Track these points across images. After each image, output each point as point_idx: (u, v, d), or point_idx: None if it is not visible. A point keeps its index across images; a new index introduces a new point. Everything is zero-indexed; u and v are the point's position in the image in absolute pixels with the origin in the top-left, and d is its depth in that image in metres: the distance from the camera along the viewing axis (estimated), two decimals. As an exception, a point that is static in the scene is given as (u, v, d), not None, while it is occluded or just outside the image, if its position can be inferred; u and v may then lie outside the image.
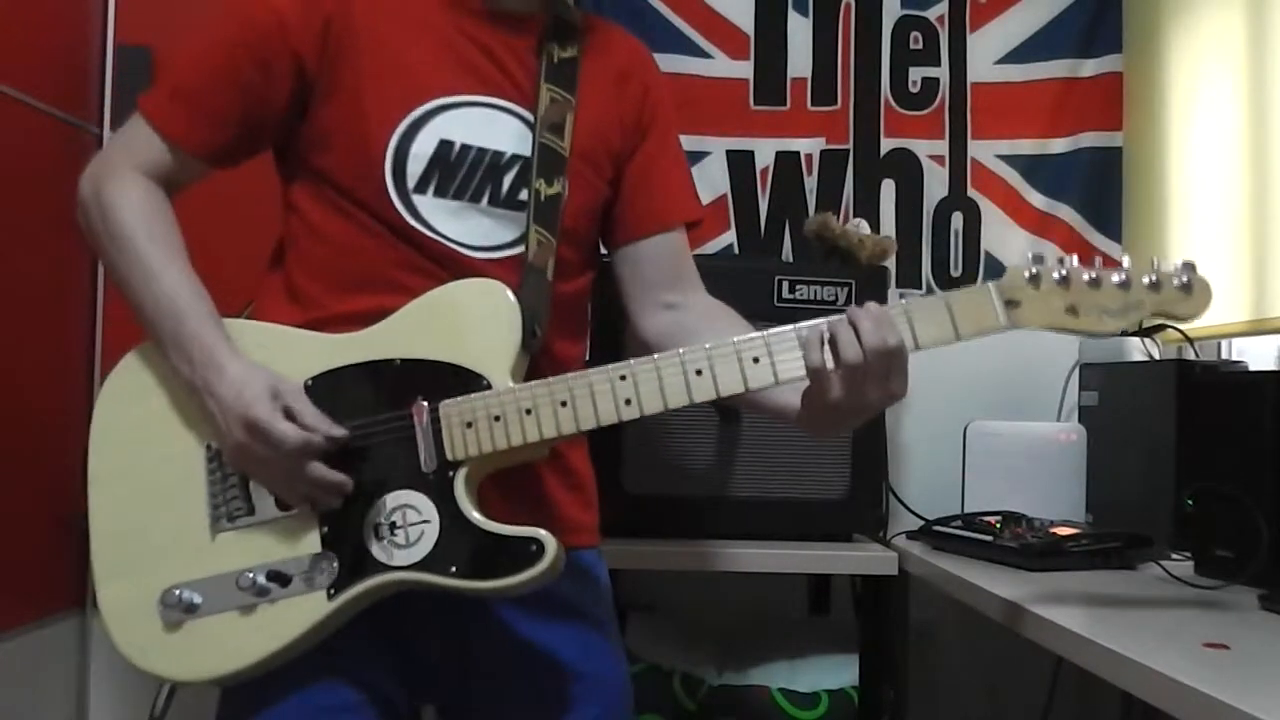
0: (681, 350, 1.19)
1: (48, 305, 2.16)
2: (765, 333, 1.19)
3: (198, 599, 1.21)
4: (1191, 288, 1.17)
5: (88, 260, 2.26)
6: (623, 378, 1.19)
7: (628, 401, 1.19)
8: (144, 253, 1.25)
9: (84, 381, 2.26)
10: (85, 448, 2.24)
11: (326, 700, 1.24)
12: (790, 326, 1.18)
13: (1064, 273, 1.17)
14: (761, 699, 1.97)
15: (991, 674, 2.43)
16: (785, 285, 1.98)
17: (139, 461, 1.27)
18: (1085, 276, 1.17)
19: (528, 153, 1.32)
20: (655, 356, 1.20)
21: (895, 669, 2.03)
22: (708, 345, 1.19)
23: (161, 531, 1.25)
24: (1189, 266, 1.17)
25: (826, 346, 1.16)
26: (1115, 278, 1.17)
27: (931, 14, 2.58)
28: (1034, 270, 1.17)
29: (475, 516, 1.19)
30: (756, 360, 1.18)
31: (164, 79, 1.37)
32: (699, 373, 1.18)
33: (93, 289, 2.28)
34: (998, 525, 1.90)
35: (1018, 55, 2.57)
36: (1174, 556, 1.81)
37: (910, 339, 1.17)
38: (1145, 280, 1.17)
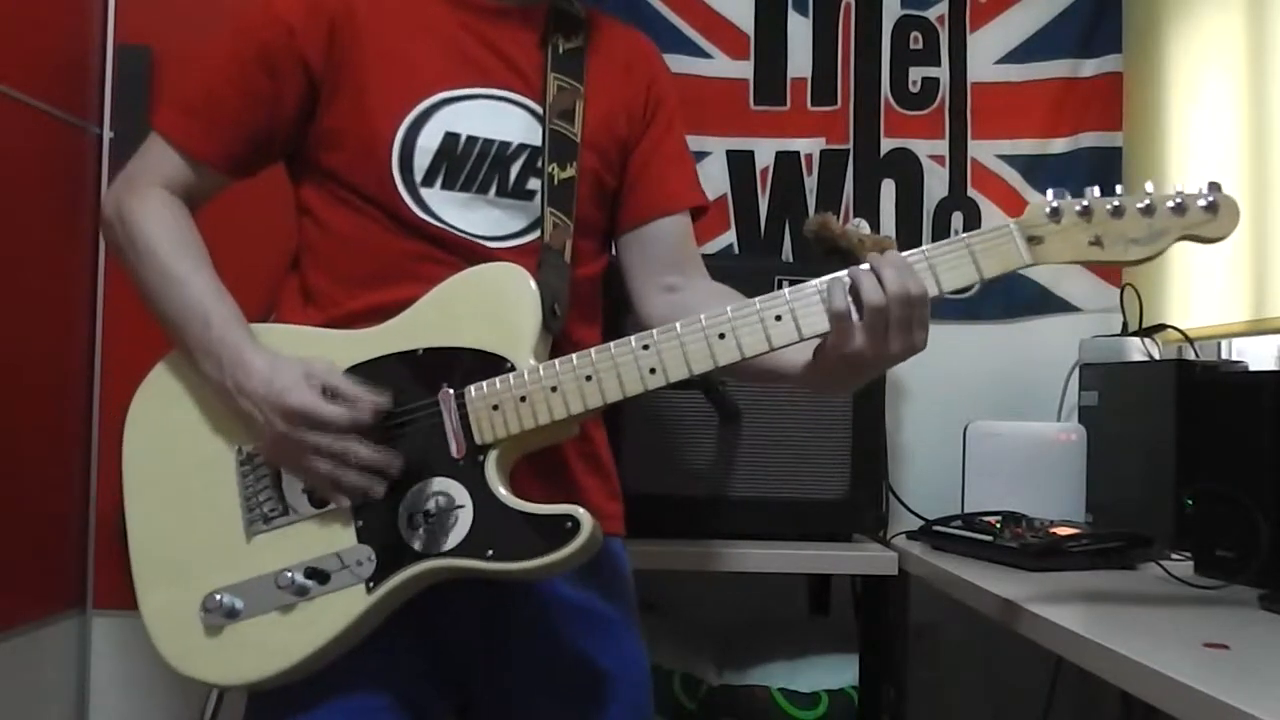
0: (703, 316, 1.18)
1: (48, 305, 2.16)
2: (786, 290, 1.18)
3: (239, 603, 1.22)
4: (1217, 207, 1.15)
5: (88, 260, 2.26)
6: (645, 347, 1.19)
7: (652, 370, 1.19)
8: (167, 263, 1.27)
9: (84, 381, 2.26)
10: (86, 448, 2.25)
11: (357, 704, 1.24)
12: (812, 282, 1.17)
13: (1085, 204, 1.15)
14: (761, 699, 1.97)
15: (991, 674, 2.43)
16: (785, 285, 1.97)
17: (172, 471, 1.28)
18: (1108, 206, 1.15)
19: (536, 142, 1.33)
20: (676, 324, 1.19)
21: (895, 669, 2.03)
22: (729, 309, 1.18)
23: (198, 538, 1.25)
24: (1215, 186, 1.16)
25: (850, 294, 1.15)
26: (1139, 204, 1.15)
27: (931, 14, 2.57)
28: (1055, 204, 1.16)
29: (508, 498, 1.18)
30: (779, 318, 1.17)
31: (176, 95, 1.38)
32: (722, 336, 1.18)
33: (93, 289, 2.28)
34: (998, 525, 1.90)
35: (1018, 55, 2.57)
36: (1174, 556, 1.81)
37: (934, 284, 1.16)
38: (1170, 205, 1.15)
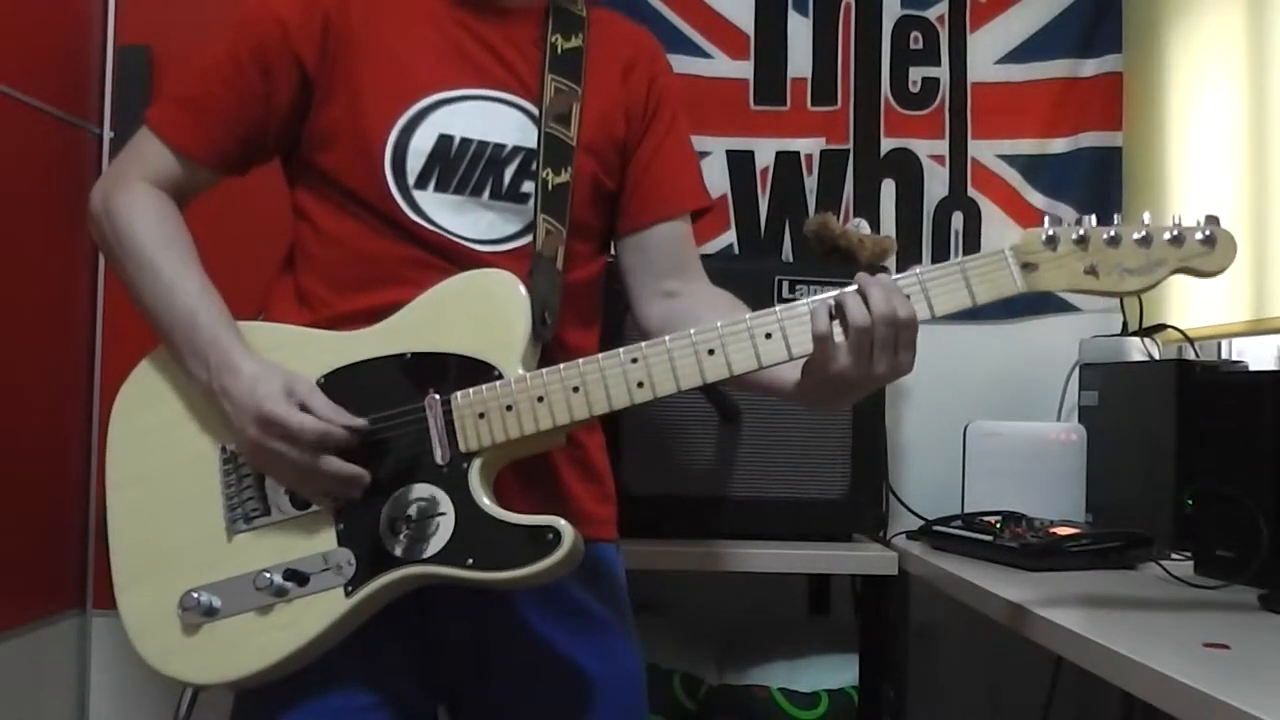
0: (693, 330, 1.18)
1: (48, 305, 2.16)
2: (778, 308, 1.17)
3: (217, 602, 1.21)
4: (1215, 241, 1.14)
5: (88, 259, 2.26)
6: (634, 361, 1.18)
7: (640, 384, 1.18)
8: (156, 260, 1.26)
9: (84, 381, 2.26)
10: (86, 448, 2.25)
11: (342, 703, 1.24)
12: (803, 300, 1.17)
13: (1081, 233, 1.15)
14: (761, 699, 1.97)
15: (991, 674, 2.43)
16: (785, 285, 1.98)
17: (155, 467, 1.28)
18: (1104, 235, 1.14)
19: (531, 144, 1.32)
20: (666, 338, 1.18)
21: (895, 669, 2.03)
22: (719, 324, 1.17)
23: (179, 536, 1.25)
24: (1212, 220, 1.15)
25: (835, 315, 1.14)
26: (1135, 235, 1.14)
27: (931, 14, 2.57)
28: (1050, 232, 1.15)
29: (491, 508, 1.18)
30: (769, 336, 1.16)
31: (171, 90, 1.38)
32: (711, 352, 1.17)
33: (93, 288, 2.28)
34: (998, 525, 1.89)
35: (1018, 55, 2.56)
36: (1174, 556, 1.81)
37: (926, 308, 1.15)
38: (1167, 236, 1.14)
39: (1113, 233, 1.15)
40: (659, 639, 2.06)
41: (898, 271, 1.19)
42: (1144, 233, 1.14)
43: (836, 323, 1.14)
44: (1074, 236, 1.15)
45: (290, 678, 1.22)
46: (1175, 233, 1.15)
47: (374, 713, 1.25)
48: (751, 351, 1.17)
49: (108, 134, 2.27)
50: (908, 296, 1.15)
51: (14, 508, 2.02)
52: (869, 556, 1.96)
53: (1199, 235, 1.14)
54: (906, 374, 1.17)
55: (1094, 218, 1.16)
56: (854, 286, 1.15)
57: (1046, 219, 1.16)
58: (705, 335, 1.18)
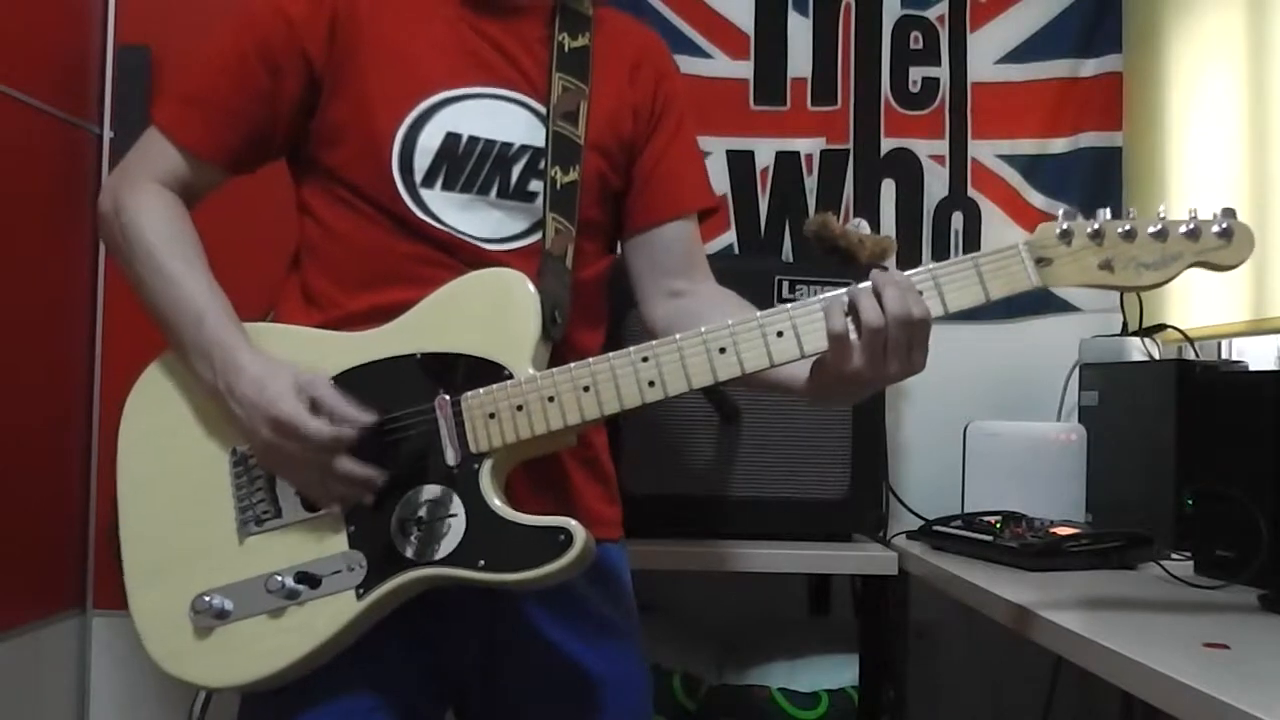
0: (704, 329, 1.17)
1: (48, 305, 2.16)
2: (789, 306, 1.16)
3: (228, 605, 1.21)
4: (1231, 234, 1.12)
5: (88, 259, 2.26)
6: (645, 359, 1.18)
7: (651, 383, 1.17)
8: (163, 261, 1.26)
9: (84, 382, 2.26)
10: (86, 448, 2.25)
11: (349, 706, 1.24)
12: (816, 298, 1.15)
13: (1097, 226, 1.13)
14: (761, 699, 1.97)
15: (992, 674, 2.43)
16: (785, 285, 1.98)
17: (166, 470, 1.27)
18: (1119, 229, 1.13)
19: (539, 143, 1.32)
20: (677, 336, 1.18)
21: (895, 669, 2.03)
22: (731, 322, 1.16)
23: (190, 539, 1.25)
24: (1229, 213, 1.13)
25: (849, 313, 1.13)
26: (1151, 229, 1.12)
27: (931, 14, 2.57)
28: (1065, 226, 1.13)
29: (502, 509, 1.18)
30: (781, 334, 1.15)
31: (176, 88, 1.38)
32: (723, 350, 1.16)
33: (93, 288, 2.28)
34: (998, 525, 1.90)
35: (1018, 55, 2.57)
36: (1174, 556, 1.81)
37: (939, 304, 1.14)
38: (1183, 230, 1.12)
39: (1128, 226, 1.13)
40: (659, 639, 2.06)
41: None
42: (1159, 226, 1.13)
43: (850, 320, 1.13)
44: (1089, 230, 1.13)
45: (298, 680, 1.21)
46: (1191, 226, 1.13)
47: (380, 714, 1.25)
48: (764, 349, 1.16)
49: (108, 134, 2.27)
50: (920, 293, 1.13)
51: (14, 508, 2.02)
52: (869, 556, 1.96)
53: (1215, 228, 1.13)
54: (919, 372, 1.15)
55: (1108, 211, 1.14)
56: (868, 284, 1.13)
57: (1062, 211, 1.15)
58: (717, 333, 1.17)
